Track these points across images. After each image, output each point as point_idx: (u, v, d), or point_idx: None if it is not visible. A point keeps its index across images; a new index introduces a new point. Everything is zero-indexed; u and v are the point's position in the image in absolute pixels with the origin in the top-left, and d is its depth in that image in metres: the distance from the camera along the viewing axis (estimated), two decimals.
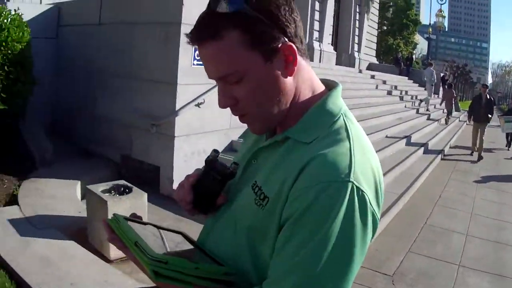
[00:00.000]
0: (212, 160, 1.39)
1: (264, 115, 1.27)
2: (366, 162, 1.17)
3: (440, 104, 22.51)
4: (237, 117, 1.31)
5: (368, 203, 1.11)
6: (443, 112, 21.60)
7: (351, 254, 1.08)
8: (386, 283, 4.82)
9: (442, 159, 12.65)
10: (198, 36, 1.20)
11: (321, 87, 1.34)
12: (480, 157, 13.35)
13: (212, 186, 1.38)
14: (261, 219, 1.21)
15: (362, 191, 1.10)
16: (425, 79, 22.15)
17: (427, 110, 20.04)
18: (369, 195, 1.12)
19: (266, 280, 1.15)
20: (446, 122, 19.84)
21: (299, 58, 1.24)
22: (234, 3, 1.14)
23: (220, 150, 1.46)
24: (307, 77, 1.30)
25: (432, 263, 5.49)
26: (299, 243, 1.08)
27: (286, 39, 1.19)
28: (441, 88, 25.51)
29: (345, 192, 1.07)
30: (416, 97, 20.58)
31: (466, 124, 14.94)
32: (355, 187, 1.09)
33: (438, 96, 24.93)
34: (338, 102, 1.30)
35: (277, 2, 1.18)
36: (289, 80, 1.23)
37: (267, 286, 1.13)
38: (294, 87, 1.26)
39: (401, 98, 18.87)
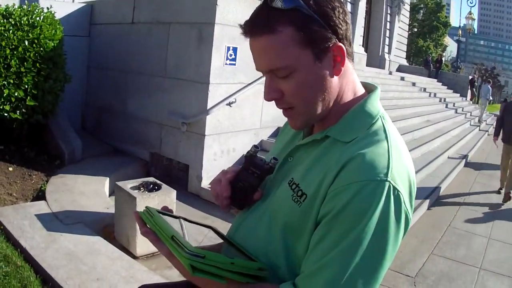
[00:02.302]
0: (252, 155, 1.43)
1: (308, 111, 1.29)
2: (401, 163, 1.20)
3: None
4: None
5: (403, 203, 1.14)
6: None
7: (384, 252, 1.12)
8: (408, 284, 4.84)
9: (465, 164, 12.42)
10: (253, 28, 1.23)
11: (361, 90, 1.38)
12: (508, 197, 8.54)
13: (251, 180, 1.41)
14: (297, 215, 1.24)
15: (398, 190, 1.13)
16: (481, 93, 23.98)
17: (479, 120, 22.28)
18: (404, 195, 1.15)
19: (300, 275, 1.17)
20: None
21: (346, 59, 1.26)
22: (290, 0, 1.17)
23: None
24: (351, 79, 1.33)
25: (453, 265, 5.48)
26: (335, 239, 1.11)
27: (337, 40, 1.23)
28: (469, 91, 26.24)
29: (382, 191, 1.11)
30: (444, 100, 20.54)
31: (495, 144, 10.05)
32: (391, 186, 1.12)
33: (466, 99, 25.49)
34: (376, 104, 1.34)
35: (332, 3, 1.21)
36: (335, 79, 1.27)
37: (301, 280, 1.16)
38: (338, 87, 1.29)
39: (439, 101, 18.90)
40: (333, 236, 1.12)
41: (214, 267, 1.12)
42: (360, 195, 1.10)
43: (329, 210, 1.14)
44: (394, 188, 1.12)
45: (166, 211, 1.42)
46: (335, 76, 1.26)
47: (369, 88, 1.40)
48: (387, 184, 1.11)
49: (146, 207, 1.35)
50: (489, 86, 24.22)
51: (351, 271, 1.08)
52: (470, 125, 18.75)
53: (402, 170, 1.18)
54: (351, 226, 1.09)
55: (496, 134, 9.85)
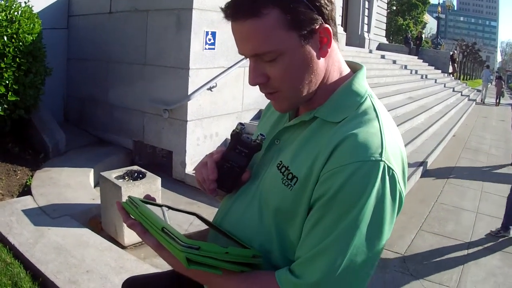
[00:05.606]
0: (238, 133, 1.37)
1: (294, 94, 1.25)
2: (393, 141, 1.19)
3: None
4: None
5: (397, 182, 1.13)
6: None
7: (381, 232, 1.11)
8: (398, 261, 4.87)
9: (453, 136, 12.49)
10: (236, 12, 1.16)
11: (347, 69, 1.35)
12: None
13: (239, 160, 1.36)
14: (289, 199, 1.21)
15: (393, 170, 1.12)
16: (482, 78, 29.55)
17: (482, 101, 27.41)
18: (398, 174, 1.14)
19: (297, 261, 1.15)
20: (497, 104, 26.70)
21: (332, 40, 1.23)
22: None
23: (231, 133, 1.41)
24: (336, 59, 1.30)
25: (443, 240, 5.52)
26: (332, 222, 1.10)
27: (323, 21, 1.19)
28: (450, 67, 27.50)
29: (377, 172, 1.09)
30: (426, 76, 20.68)
31: None
32: (386, 166, 1.10)
33: (447, 75, 26.63)
34: (363, 83, 1.31)
35: None
36: (321, 61, 1.24)
37: (299, 266, 1.14)
38: (325, 68, 1.26)
39: (422, 77, 19.05)
40: (329, 219, 1.10)
41: (209, 258, 1.09)
42: (355, 176, 1.07)
43: (323, 193, 1.12)
44: (389, 168, 1.10)
45: (148, 199, 1.37)
46: (321, 58, 1.23)
47: (354, 67, 1.38)
48: (382, 164, 1.09)
49: (129, 196, 1.29)
50: (488, 70, 30.59)
51: (350, 254, 1.07)
52: (476, 103, 19.70)
53: (395, 149, 1.17)
54: (347, 209, 1.07)
55: None
